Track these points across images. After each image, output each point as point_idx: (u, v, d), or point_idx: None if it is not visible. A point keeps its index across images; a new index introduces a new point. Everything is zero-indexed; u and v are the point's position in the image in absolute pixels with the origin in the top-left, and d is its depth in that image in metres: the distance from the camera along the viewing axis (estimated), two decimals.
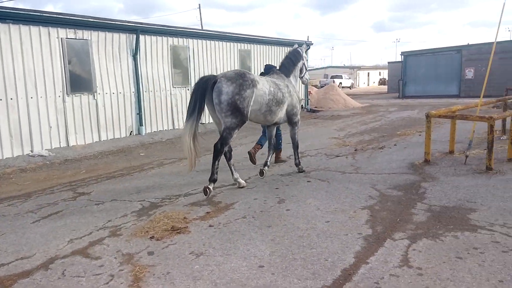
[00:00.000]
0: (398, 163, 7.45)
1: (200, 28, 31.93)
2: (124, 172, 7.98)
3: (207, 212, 5.20)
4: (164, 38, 12.48)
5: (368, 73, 67.15)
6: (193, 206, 5.48)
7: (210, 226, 4.71)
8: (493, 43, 8.06)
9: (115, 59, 11.10)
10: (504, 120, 9.36)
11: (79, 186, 7.03)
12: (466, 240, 3.97)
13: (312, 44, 20.59)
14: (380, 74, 67.66)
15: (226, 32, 15.17)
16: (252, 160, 7.65)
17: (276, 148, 7.80)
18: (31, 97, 9.23)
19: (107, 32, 10.79)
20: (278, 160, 8.11)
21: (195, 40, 13.59)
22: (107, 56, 10.91)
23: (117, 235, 4.54)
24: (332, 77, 51.07)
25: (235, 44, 15.46)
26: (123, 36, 11.24)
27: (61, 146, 9.94)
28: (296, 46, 7.82)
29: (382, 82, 61.72)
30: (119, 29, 11.07)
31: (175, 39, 12.87)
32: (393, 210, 4.99)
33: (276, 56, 17.87)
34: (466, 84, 25.57)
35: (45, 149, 9.55)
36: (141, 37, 11.65)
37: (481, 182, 5.90)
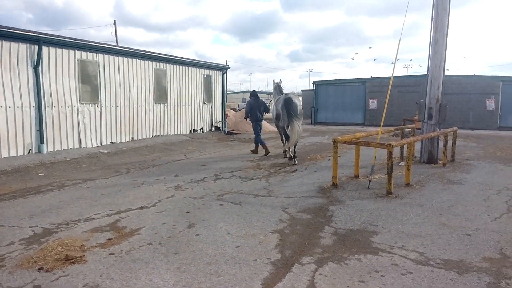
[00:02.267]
0: (308, 187, 7.65)
1: (115, 44, 30.74)
2: (17, 194, 7.13)
3: (109, 239, 4.79)
4: (71, 51, 11.67)
5: None
6: (93, 232, 5.02)
7: (110, 254, 4.32)
8: (391, 77, 8.80)
9: (12, 70, 10.07)
10: (402, 147, 10.19)
11: None
12: (369, 263, 4.11)
13: (229, 68, 20.91)
14: None
15: (141, 50, 14.71)
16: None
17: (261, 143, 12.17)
18: None
19: (4, 41, 9.77)
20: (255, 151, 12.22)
21: (106, 56, 12.93)
22: (4, 67, 9.85)
23: None
24: None
25: (151, 62, 15.04)
26: (22, 46, 10.26)
27: None
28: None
29: None
30: (18, 38, 10.09)
31: (84, 53, 12.11)
32: (302, 233, 5.04)
33: (194, 78, 17.76)
34: (370, 114, 27.68)
35: None
36: (44, 49, 10.76)
37: (382, 206, 6.26)
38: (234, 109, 36.17)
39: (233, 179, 8.45)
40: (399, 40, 8.29)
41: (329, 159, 10.94)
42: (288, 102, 10.12)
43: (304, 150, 13.39)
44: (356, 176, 8.32)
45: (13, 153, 10.20)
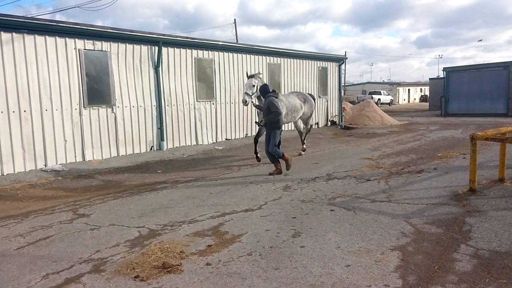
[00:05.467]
0: (438, 191, 6.46)
1: (235, 42, 31.74)
2: (134, 191, 7.43)
3: (209, 245, 4.48)
4: (188, 51, 12.05)
5: (409, 89, 64.96)
6: (195, 237, 4.78)
7: (207, 264, 3.98)
8: None
9: (136, 71, 10.75)
10: None
11: (83, 206, 6.52)
12: None
13: (346, 58, 19.77)
14: (421, 91, 65.36)
15: (254, 45, 14.61)
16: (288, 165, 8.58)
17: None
18: (46, 110, 8.95)
19: (127, 44, 10.46)
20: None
21: (221, 53, 13.09)
22: (128, 68, 10.56)
23: (99, 272, 3.90)
24: (370, 93, 49.66)
25: (264, 57, 14.86)
26: (144, 48, 10.88)
27: (77, 161, 9.59)
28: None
29: (423, 99, 59.44)
30: (140, 41, 10.73)
31: (200, 52, 12.42)
32: (430, 253, 4.07)
33: (308, 71, 17.13)
34: None
35: (60, 164, 9.21)
36: (164, 49, 11.26)
37: None
38: (352, 102, 34.64)
39: (348, 179, 7.63)
40: None
41: (464, 157, 9.32)
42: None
43: (433, 146, 11.78)
44: (501, 180, 6.78)
45: (136, 150, 10.91)
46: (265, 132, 8.84)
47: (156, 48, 11.07)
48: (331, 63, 18.63)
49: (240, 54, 13.87)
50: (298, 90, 16.44)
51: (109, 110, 10.21)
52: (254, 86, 9.23)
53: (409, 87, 65.58)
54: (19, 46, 8.54)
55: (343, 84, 19.71)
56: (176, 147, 11.88)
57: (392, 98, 53.06)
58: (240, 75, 13.89)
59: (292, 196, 6.55)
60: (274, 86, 15.14)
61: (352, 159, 10.06)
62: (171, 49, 11.61)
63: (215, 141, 13.07)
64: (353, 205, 5.89)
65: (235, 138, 13.78)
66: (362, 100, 32.55)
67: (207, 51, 12.68)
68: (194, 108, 12.40)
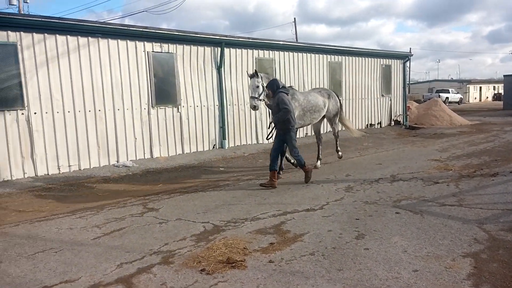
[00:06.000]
0: None
1: (295, 41, 31.65)
2: (198, 188, 7.70)
3: (271, 243, 4.54)
4: (249, 51, 12.23)
5: (480, 87, 60.74)
6: (257, 234, 4.86)
7: (270, 261, 4.04)
8: None
9: (199, 72, 11.11)
10: None
11: (152, 200, 6.87)
12: None
13: (411, 55, 18.96)
14: (494, 89, 60.85)
15: (315, 44, 14.49)
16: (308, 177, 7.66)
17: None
18: (118, 109, 9.55)
19: (192, 46, 10.85)
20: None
21: (281, 52, 13.14)
22: (192, 69, 10.95)
23: (168, 263, 4.10)
24: (438, 91, 47.17)
25: (325, 56, 14.68)
26: (208, 49, 11.22)
27: (145, 158, 10.11)
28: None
29: (496, 97, 55.27)
30: (204, 42, 11.08)
31: (260, 52, 12.56)
32: (506, 261, 3.82)
33: (371, 69, 16.66)
34: None
35: (130, 160, 9.77)
36: (226, 50, 11.54)
37: None
38: (417, 101, 33.14)
39: (414, 181, 7.33)
40: None
41: None
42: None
43: (509, 148, 10.97)
44: None
45: (200, 148, 11.29)
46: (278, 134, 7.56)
47: (219, 49, 11.36)
48: (395, 60, 17.96)
49: (300, 53, 13.82)
50: (361, 89, 16.08)
51: (175, 109, 10.66)
52: (258, 86, 7.74)
53: (480, 85, 61.30)
54: (94, 49, 9.20)
55: (408, 82, 18.86)
56: (237, 145, 12.12)
57: (462, 97, 49.93)
58: (300, 74, 13.86)
59: (354, 197, 6.43)
60: (335, 85, 14.94)
61: (418, 160, 9.64)
62: (233, 50, 11.86)
63: (315, 135, 13.14)
64: (420, 208, 5.66)
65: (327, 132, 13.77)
66: (428, 99, 31.02)
67: (267, 51, 12.79)
68: None
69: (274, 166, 7.43)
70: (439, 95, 41.40)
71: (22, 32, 8.20)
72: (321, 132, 9.95)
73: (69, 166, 8.88)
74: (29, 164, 8.42)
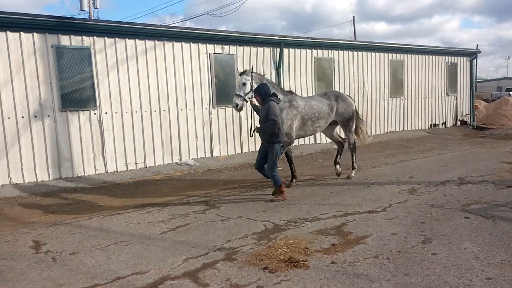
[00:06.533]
0: None
1: (353, 39, 31.00)
2: (257, 187, 7.81)
3: (333, 244, 4.49)
4: (308, 51, 12.18)
5: None
6: (318, 235, 4.83)
7: (332, 263, 4.00)
8: None
9: (259, 72, 11.22)
10: None
11: (213, 198, 7.07)
12: None
13: (479, 52, 17.84)
14: None
15: (376, 42, 14.11)
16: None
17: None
18: (181, 109, 9.92)
19: (251, 46, 11.01)
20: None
21: (340, 52, 12.93)
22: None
23: (232, 260, 4.20)
24: (508, 89, 43.99)
25: (386, 54, 14.23)
26: (267, 50, 11.33)
27: (206, 156, 10.41)
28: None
29: None
30: (263, 43, 11.20)
31: (320, 51, 12.46)
32: None
33: (435, 67, 15.90)
34: None
35: (192, 158, 10.11)
36: (285, 50, 11.57)
37: None
38: (485, 100, 31.10)
39: (484, 185, 6.91)
40: None
41: None
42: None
43: None
44: None
45: (258, 148, 11.36)
46: (264, 146, 6.84)
47: (278, 49, 11.43)
48: (461, 57, 16.99)
49: (360, 52, 13.52)
50: (424, 88, 15.40)
51: (234, 110, 10.84)
52: (245, 84, 6.89)
53: None
54: (160, 52, 9.63)
55: (475, 80, 17.75)
56: (295, 145, 12.08)
57: None
58: (360, 73, 13.56)
59: (419, 199, 6.18)
60: (396, 84, 14.45)
61: (488, 162, 9.06)
62: (291, 50, 11.87)
63: (332, 140, 12.94)
64: (492, 213, 5.33)
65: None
66: (497, 98, 29.03)
67: (326, 50, 12.66)
68: None
69: (278, 180, 6.60)
70: (510, 94, 38.60)
71: (95, 37, 8.78)
72: (339, 137, 8.68)
73: (136, 163, 9.37)
74: (100, 161, 8.99)
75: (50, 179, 8.37)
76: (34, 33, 8.11)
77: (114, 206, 6.82)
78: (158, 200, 7.07)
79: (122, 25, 9.28)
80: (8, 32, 7.86)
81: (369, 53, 13.74)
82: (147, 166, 9.52)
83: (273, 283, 3.63)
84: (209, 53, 10.33)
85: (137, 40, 9.32)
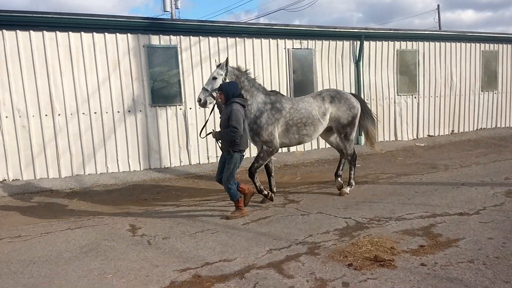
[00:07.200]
0: None
1: (440, 30, 29.14)
2: (335, 183, 7.69)
3: (421, 246, 4.30)
4: (390, 43, 11.67)
5: None
6: (404, 235, 4.66)
7: (422, 264, 3.84)
8: None
9: (337, 66, 11.04)
10: None
11: (291, 192, 7.12)
12: None
13: None
14: None
15: (466, 32, 13.07)
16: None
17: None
18: None
19: (330, 40, 10.83)
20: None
21: (426, 43, 12.20)
22: (330, 64, 10.94)
23: (315, 254, 4.21)
24: None
25: (477, 44, 13.16)
26: (346, 43, 11.06)
27: (283, 152, 10.46)
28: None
29: None
30: (342, 36, 10.96)
31: (403, 43, 11.87)
32: None
33: None
34: None
35: None
36: (365, 43, 11.20)
37: None
38: None
39: None
40: None
41: None
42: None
43: None
44: None
45: None
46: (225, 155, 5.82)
47: (358, 42, 11.11)
48: None
49: (448, 43, 12.64)
50: None
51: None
52: (216, 78, 6.01)
53: None
54: (240, 48, 9.86)
55: None
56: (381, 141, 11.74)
57: None
58: (448, 65, 12.71)
59: None
60: (489, 77, 13.36)
61: None
62: (372, 43, 11.47)
63: (415, 138, 12.35)
64: None
65: (438, 135, 12.72)
66: None
67: (410, 42, 12.03)
68: (394, 103, 11.97)
69: (234, 194, 5.69)
70: None
71: (181, 36, 9.24)
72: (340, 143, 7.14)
73: (217, 156, 9.71)
74: (185, 153, 9.47)
75: (141, 169, 9.01)
76: (128, 34, 8.74)
77: (198, 196, 7.16)
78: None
79: (205, 23, 9.64)
80: (106, 34, 8.56)
81: (458, 44, 12.80)
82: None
83: (359, 280, 3.58)
84: (288, 48, 10.35)
85: (219, 37, 9.63)
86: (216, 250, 4.46)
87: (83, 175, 8.49)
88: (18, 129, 7.95)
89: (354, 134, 7.00)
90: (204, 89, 6.03)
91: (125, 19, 8.78)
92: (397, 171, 8.55)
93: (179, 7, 28.69)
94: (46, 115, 8.16)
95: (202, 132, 6.36)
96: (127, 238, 5.01)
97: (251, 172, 6.24)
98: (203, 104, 5.99)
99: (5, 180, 7.94)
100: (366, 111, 7.26)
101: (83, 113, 8.48)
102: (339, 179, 7.03)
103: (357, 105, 6.89)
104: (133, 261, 4.24)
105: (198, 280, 3.72)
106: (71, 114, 8.38)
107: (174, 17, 25.53)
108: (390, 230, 4.84)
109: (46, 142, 8.18)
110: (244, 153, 5.76)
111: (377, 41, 11.52)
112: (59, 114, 8.27)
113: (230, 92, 5.57)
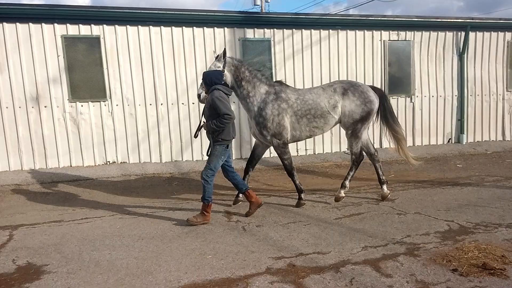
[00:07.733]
0: None
1: None
2: (434, 183, 7.26)
3: None
4: (500, 34, 10.61)
5: None
6: None
7: None
8: None
9: (438, 59, 10.34)
10: None
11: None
12: None
13: None
14: None
15: None
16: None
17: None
18: None
19: (431, 32, 10.15)
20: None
21: None
22: (430, 57, 10.28)
23: (414, 256, 4.02)
24: None
25: None
26: (449, 35, 10.29)
27: (375, 148, 10.11)
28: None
29: None
30: (445, 27, 10.21)
31: None
32: None
33: None
34: None
35: None
36: (471, 34, 10.32)
37: None
38: None
39: None
40: None
41: None
42: None
43: None
44: None
45: (432, 142, 10.58)
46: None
47: (463, 33, 10.28)
48: None
49: None
50: None
51: (408, 99, 10.27)
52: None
53: None
54: (333, 41, 9.68)
55: None
56: (477, 141, 10.82)
57: None
58: None
59: None
60: None
61: None
62: (479, 34, 10.53)
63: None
64: None
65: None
66: None
67: None
68: (503, 99, 10.89)
69: (209, 194, 5.20)
70: None
71: (275, 29, 9.34)
72: (372, 146, 6.65)
73: (306, 149, 9.72)
74: None
75: (233, 159, 9.34)
76: (225, 28, 9.06)
77: (288, 188, 7.23)
78: (329, 187, 7.21)
79: (299, 16, 9.62)
80: (204, 28, 8.97)
81: None
82: (316, 153, 9.78)
83: (465, 287, 3.35)
84: (383, 40, 9.92)
85: (312, 30, 9.54)
86: (310, 242, 4.47)
87: (181, 161, 9.05)
88: (127, 116, 8.71)
89: (364, 133, 6.27)
90: (201, 84, 5.56)
91: (223, 14, 9.11)
92: (506, 174, 7.80)
93: (269, 1, 28.99)
94: (150, 104, 8.83)
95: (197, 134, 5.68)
96: (223, 223, 5.24)
97: (287, 172, 6.16)
98: (203, 100, 5.57)
99: (115, 162, 8.76)
100: (387, 108, 6.38)
101: (183, 103, 9.00)
102: (384, 186, 6.31)
103: (375, 100, 6.13)
104: (230, 245, 4.43)
105: (293, 269, 3.77)
106: (172, 104, 8.95)
107: (263, 11, 25.87)
108: (500, 238, 4.44)
109: (150, 129, 8.85)
110: (228, 146, 5.28)
111: (484, 32, 10.55)
112: (161, 104, 8.89)
113: (209, 80, 5.23)
